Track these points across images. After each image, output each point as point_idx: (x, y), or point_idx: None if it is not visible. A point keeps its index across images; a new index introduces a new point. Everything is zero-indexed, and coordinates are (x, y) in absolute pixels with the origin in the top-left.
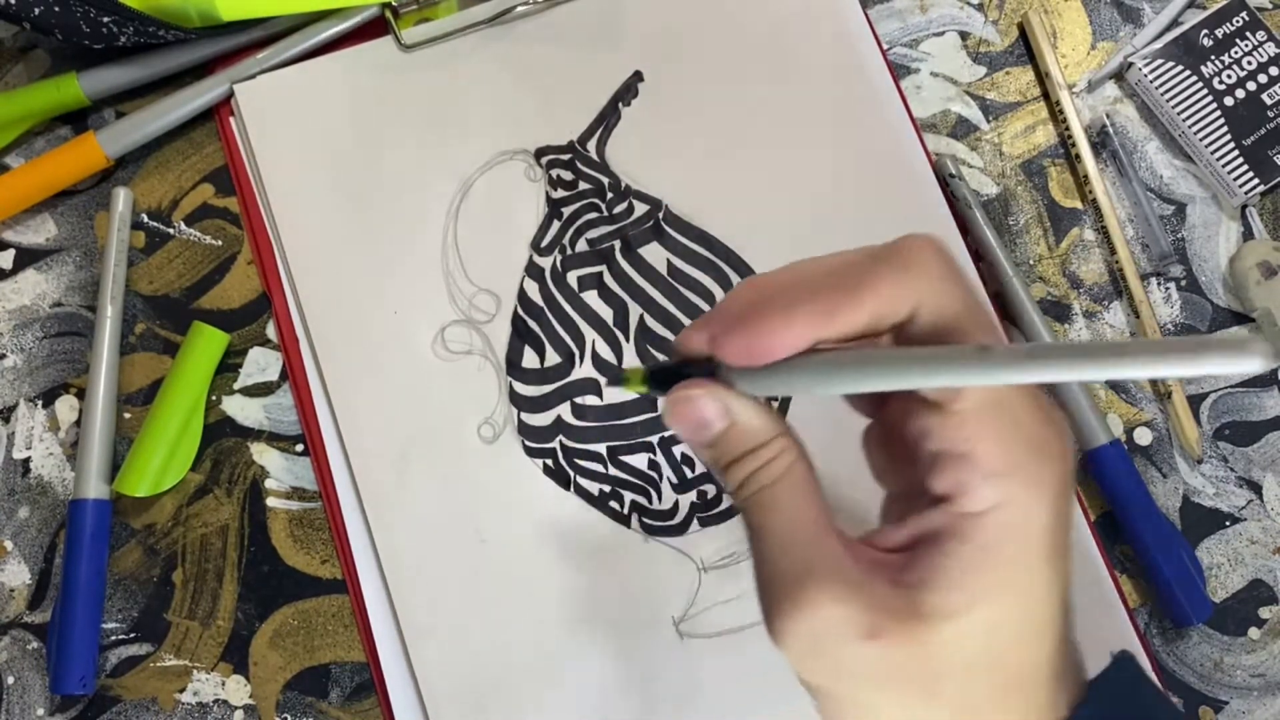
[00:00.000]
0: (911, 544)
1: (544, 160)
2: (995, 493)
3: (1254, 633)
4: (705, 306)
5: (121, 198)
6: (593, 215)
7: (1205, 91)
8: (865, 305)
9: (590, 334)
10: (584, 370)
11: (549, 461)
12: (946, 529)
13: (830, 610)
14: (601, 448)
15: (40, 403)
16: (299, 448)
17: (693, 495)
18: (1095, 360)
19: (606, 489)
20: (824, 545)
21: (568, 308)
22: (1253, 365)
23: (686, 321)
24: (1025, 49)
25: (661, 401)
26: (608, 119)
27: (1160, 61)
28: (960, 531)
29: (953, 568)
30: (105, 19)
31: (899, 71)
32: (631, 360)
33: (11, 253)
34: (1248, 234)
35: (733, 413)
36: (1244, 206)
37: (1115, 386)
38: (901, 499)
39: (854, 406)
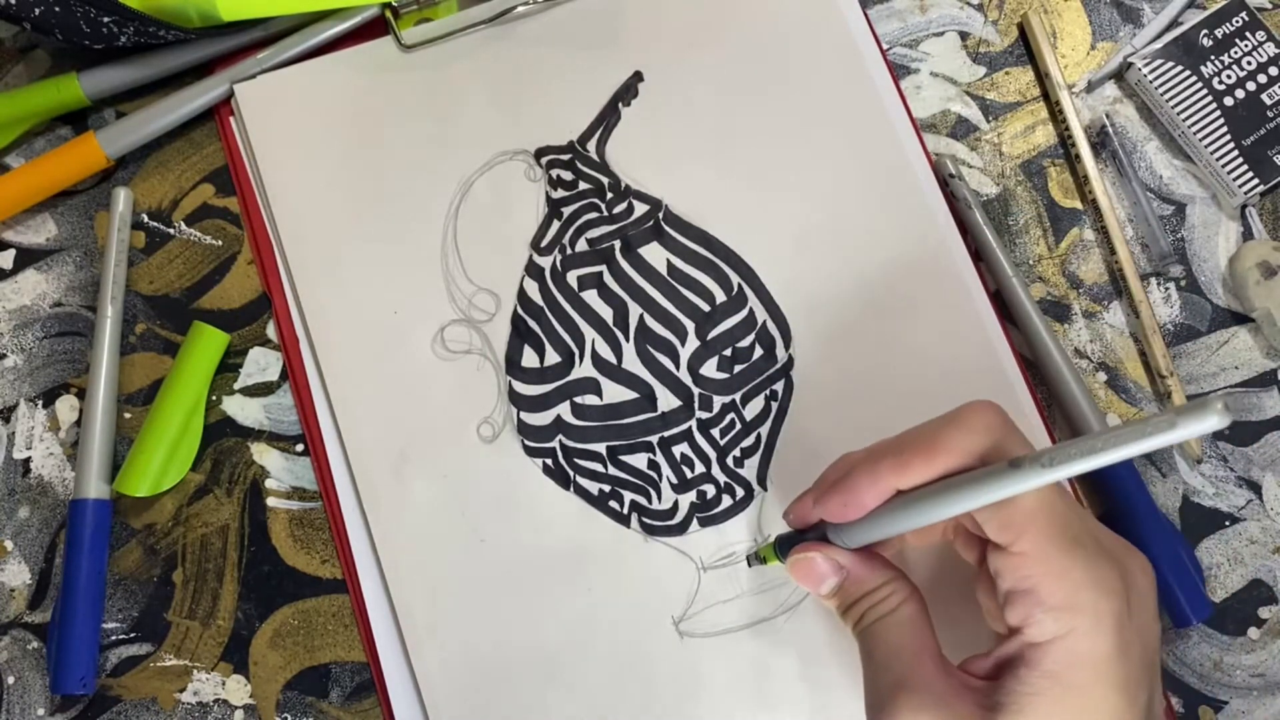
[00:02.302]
0: (995, 671)
1: (544, 160)
2: (1056, 624)
3: (1254, 633)
4: (705, 307)
5: (121, 198)
6: (593, 215)
7: (1205, 91)
8: (935, 460)
9: (590, 333)
10: (584, 370)
11: (549, 461)
12: (1018, 656)
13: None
14: (601, 447)
15: (40, 403)
16: (299, 448)
17: (692, 495)
18: (1095, 452)
19: (606, 489)
20: (919, 667)
21: (567, 307)
22: (1209, 424)
23: (686, 322)
24: (1025, 49)
25: (785, 566)
26: (608, 119)
27: (1160, 61)
28: (1028, 659)
29: (1022, 691)
30: (105, 19)
31: (899, 71)
32: (632, 361)
33: (12, 253)
34: (1247, 234)
35: (844, 567)
36: (1244, 206)
37: (1115, 387)
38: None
39: (966, 558)
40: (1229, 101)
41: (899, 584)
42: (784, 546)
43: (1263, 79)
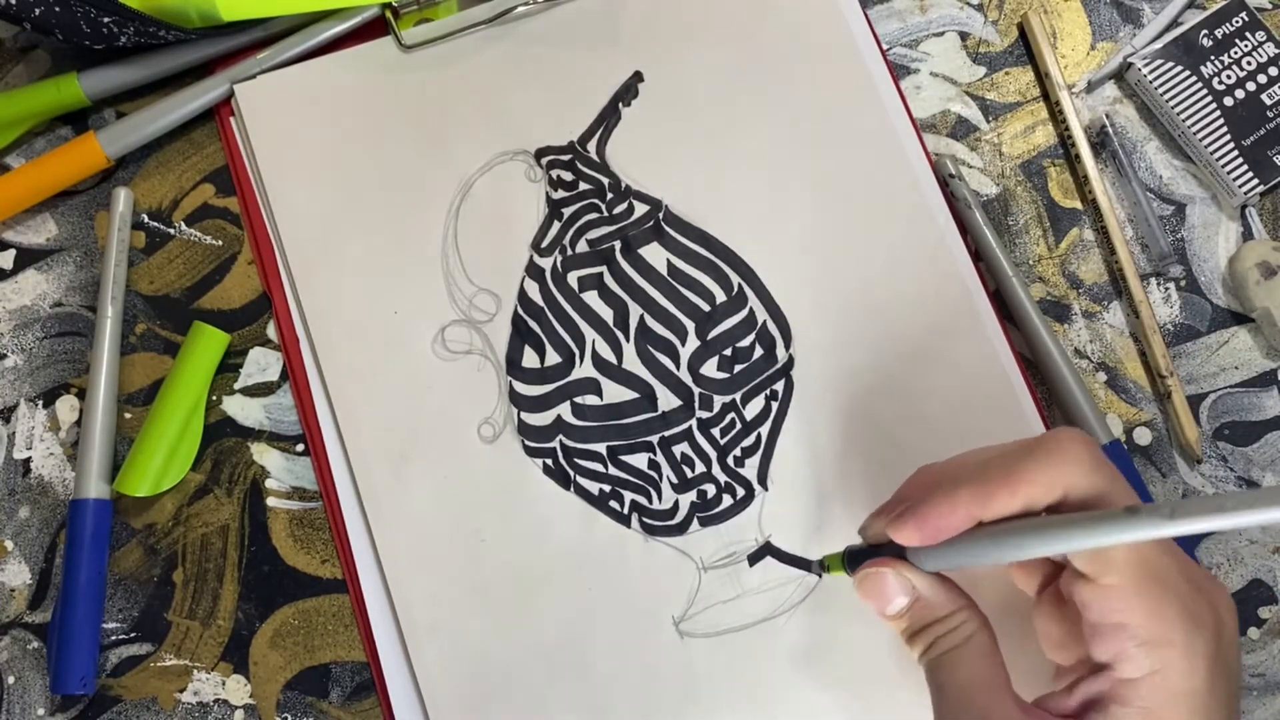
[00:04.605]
0: (1082, 709)
1: (544, 160)
2: (1150, 660)
3: (1254, 633)
4: (705, 307)
5: (122, 198)
6: (593, 216)
7: (1205, 91)
8: (1019, 492)
9: (590, 334)
10: (584, 370)
11: (549, 461)
12: (1109, 694)
13: None
14: (601, 447)
15: (41, 403)
16: (299, 448)
17: (693, 495)
18: (1223, 512)
19: (606, 489)
20: (1000, 704)
21: (568, 308)
22: None
23: (687, 321)
24: (1025, 49)
25: (854, 580)
26: (608, 119)
27: (1160, 62)
28: (1121, 696)
29: None
30: (105, 19)
31: (899, 72)
32: (632, 361)
33: (12, 253)
34: (1247, 234)
35: (917, 589)
36: (1244, 206)
37: (1115, 387)
38: (1069, 671)
39: (1021, 585)
40: (1229, 101)
41: (971, 613)
42: (854, 559)
43: (1263, 79)
